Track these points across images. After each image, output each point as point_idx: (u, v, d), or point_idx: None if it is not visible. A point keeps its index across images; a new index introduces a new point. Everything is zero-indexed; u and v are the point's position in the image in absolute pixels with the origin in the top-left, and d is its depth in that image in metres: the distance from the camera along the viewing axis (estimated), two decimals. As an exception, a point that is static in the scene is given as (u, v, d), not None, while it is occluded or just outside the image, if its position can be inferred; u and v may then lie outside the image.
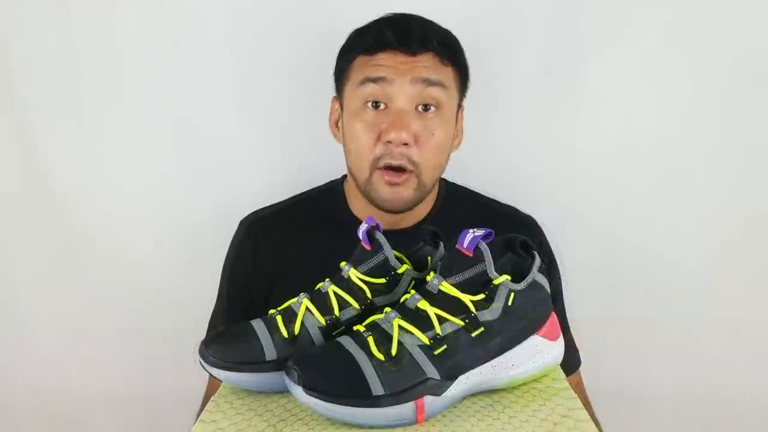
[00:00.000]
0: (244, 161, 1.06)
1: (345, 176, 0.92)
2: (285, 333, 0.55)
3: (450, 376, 0.51)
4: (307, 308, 0.57)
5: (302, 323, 0.56)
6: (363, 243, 0.58)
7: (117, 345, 1.10)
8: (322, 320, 0.56)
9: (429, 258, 0.61)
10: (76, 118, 1.03)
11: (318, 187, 0.94)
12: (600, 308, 1.10)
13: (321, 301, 0.57)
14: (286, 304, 0.59)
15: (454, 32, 0.99)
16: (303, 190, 0.95)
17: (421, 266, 0.61)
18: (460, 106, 0.86)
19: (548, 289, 0.58)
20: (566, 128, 1.05)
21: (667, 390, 1.13)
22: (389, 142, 0.76)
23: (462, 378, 0.52)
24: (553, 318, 0.58)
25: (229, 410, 0.54)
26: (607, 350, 1.12)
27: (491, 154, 1.06)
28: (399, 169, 0.77)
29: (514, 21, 1.01)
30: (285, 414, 0.53)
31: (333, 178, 0.95)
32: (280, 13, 1.00)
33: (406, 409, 0.49)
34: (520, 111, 1.04)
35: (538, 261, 0.56)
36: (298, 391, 0.49)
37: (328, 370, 0.50)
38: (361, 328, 0.54)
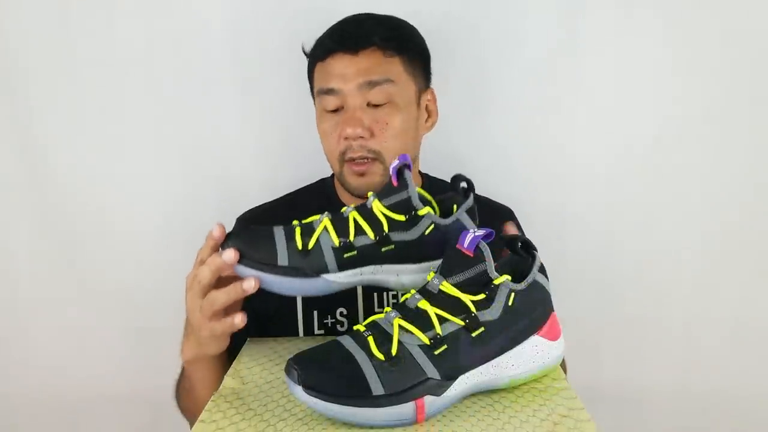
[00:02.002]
0: (245, 161, 1.06)
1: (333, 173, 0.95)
2: (299, 245, 0.59)
3: (450, 376, 0.51)
4: (325, 227, 0.59)
5: (317, 240, 0.59)
6: (392, 178, 0.60)
7: (118, 344, 1.10)
8: (336, 241, 0.59)
9: (455, 206, 0.61)
10: (77, 118, 1.03)
11: (308, 185, 0.98)
12: (599, 308, 1.10)
13: (340, 224, 0.60)
14: (308, 220, 0.62)
15: (454, 32, 1.00)
16: (304, 191, 0.96)
17: (446, 213, 0.61)
18: (426, 88, 0.90)
19: (549, 289, 0.58)
20: (565, 128, 1.05)
21: (666, 389, 1.13)
22: (346, 138, 0.82)
23: (462, 378, 0.52)
24: (554, 318, 0.58)
25: (229, 410, 0.54)
26: (605, 349, 1.12)
27: (490, 153, 1.06)
28: (362, 158, 0.83)
29: (514, 21, 1.01)
30: (285, 414, 0.53)
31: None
32: (280, 14, 1.00)
33: (406, 409, 0.50)
34: (518, 111, 1.04)
35: (538, 261, 0.56)
36: (298, 391, 0.49)
37: (328, 369, 0.50)
38: (361, 327, 0.54)
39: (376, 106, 0.82)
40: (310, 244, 0.59)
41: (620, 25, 1.00)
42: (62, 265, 1.08)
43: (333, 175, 0.96)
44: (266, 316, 0.81)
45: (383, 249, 0.59)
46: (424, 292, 0.54)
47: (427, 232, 0.58)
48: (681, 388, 1.13)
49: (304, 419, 0.52)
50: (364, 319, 0.81)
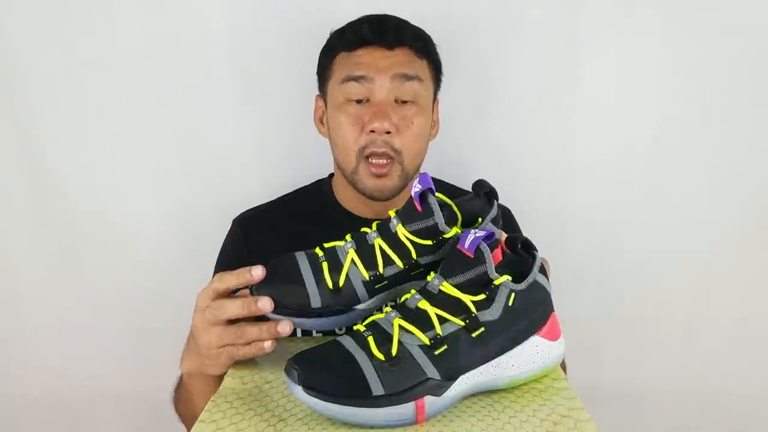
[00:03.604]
0: (244, 161, 1.06)
1: (331, 174, 0.96)
2: (330, 284, 0.58)
3: (450, 376, 0.51)
4: (352, 260, 0.58)
5: (347, 275, 0.58)
6: (415, 203, 0.58)
7: (118, 344, 1.10)
8: (366, 275, 0.58)
9: (480, 218, 0.60)
10: (76, 118, 1.02)
11: (305, 186, 0.97)
12: (599, 308, 1.10)
13: (366, 254, 0.59)
14: (331, 244, 0.61)
15: (454, 33, 1.00)
16: (303, 191, 0.97)
17: (470, 222, 0.61)
18: (435, 98, 0.91)
19: (549, 289, 0.58)
20: (565, 128, 1.05)
21: (666, 389, 1.13)
22: (372, 131, 0.81)
23: (462, 378, 0.52)
24: (554, 318, 0.58)
25: (229, 410, 0.54)
26: (606, 350, 1.12)
27: (490, 154, 1.06)
28: (384, 156, 0.82)
29: (514, 21, 1.01)
30: (285, 414, 0.53)
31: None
32: (280, 14, 1.00)
33: (406, 409, 0.50)
34: (519, 111, 1.04)
35: (538, 261, 0.56)
36: (298, 391, 0.49)
37: (328, 370, 0.50)
38: (361, 327, 0.54)
39: (403, 103, 0.82)
40: (341, 281, 0.58)
41: (620, 25, 1.00)
42: (62, 265, 1.08)
43: (330, 175, 0.96)
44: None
45: (413, 273, 0.59)
46: (424, 292, 0.54)
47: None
48: (681, 388, 1.13)
49: (304, 419, 0.52)
50: (362, 321, 0.81)
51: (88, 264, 1.08)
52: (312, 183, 0.97)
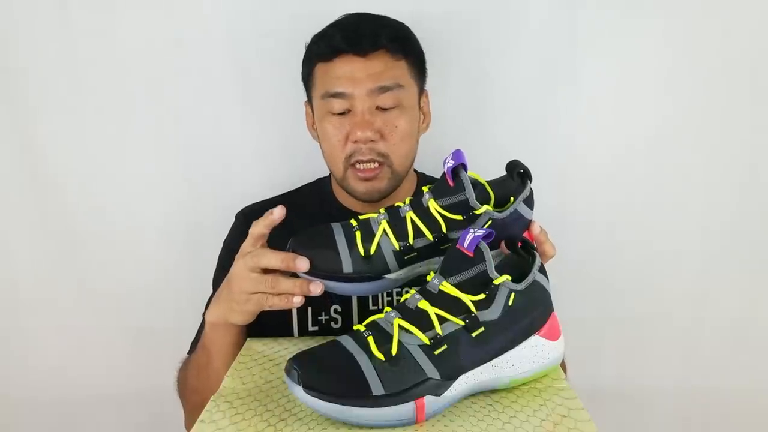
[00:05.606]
0: (244, 161, 1.06)
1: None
2: (362, 251, 0.60)
3: (450, 376, 0.51)
4: (384, 230, 0.60)
5: (378, 244, 0.60)
6: (447, 178, 0.59)
7: (118, 344, 1.10)
8: (396, 245, 0.60)
9: (512, 198, 0.61)
10: (77, 118, 1.02)
11: (307, 184, 0.98)
12: (599, 308, 1.10)
13: (398, 225, 0.61)
14: (365, 216, 0.64)
15: (454, 32, 1.00)
16: (302, 190, 0.97)
17: (503, 202, 0.61)
18: (423, 91, 0.90)
19: (549, 289, 0.58)
20: (565, 128, 1.05)
21: (667, 389, 1.13)
22: (356, 141, 0.81)
23: (462, 378, 0.52)
24: (554, 318, 0.58)
25: (228, 410, 0.54)
26: (606, 350, 1.12)
27: (489, 153, 1.05)
28: (371, 162, 0.83)
29: (514, 21, 1.01)
30: (285, 414, 0.53)
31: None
32: (280, 14, 1.00)
33: (406, 409, 0.50)
34: (518, 110, 1.04)
35: (538, 261, 0.56)
36: (298, 391, 0.50)
37: (328, 370, 0.50)
38: (361, 327, 0.54)
39: (385, 109, 0.82)
40: (372, 249, 0.60)
41: (621, 25, 1.00)
42: (62, 265, 1.08)
43: (330, 174, 0.96)
44: (261, 313, 0.81)
45: (442, 247, 0.60)
46: (424, 292, 0.54)
47: (485, 226, 0.59)
48: (681, 388, 1.13)
49: (304, 419, 0.52)
50: (359, 316, 0.82)
51: (88, 264, 1.08)
52: (313, 181, 0.98)
